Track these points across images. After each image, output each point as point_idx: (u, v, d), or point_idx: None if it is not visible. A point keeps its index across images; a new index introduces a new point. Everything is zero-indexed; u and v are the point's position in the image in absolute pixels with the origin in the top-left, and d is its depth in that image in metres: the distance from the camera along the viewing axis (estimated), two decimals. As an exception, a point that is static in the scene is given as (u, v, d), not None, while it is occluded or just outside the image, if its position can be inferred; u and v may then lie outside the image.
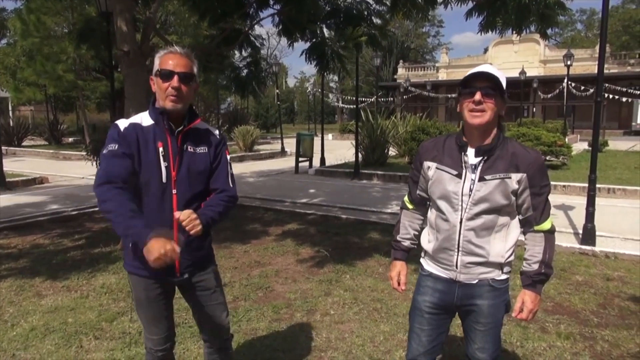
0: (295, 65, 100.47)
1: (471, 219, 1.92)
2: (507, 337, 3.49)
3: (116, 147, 1.96)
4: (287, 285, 4.62)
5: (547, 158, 13.20)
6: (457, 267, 1.99)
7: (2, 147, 18.85)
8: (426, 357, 2.15)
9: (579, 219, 6.68)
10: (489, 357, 2.05)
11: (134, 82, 5.75)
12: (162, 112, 2.02)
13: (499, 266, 1.98)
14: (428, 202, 2.14)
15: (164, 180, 2.01)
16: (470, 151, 1.93)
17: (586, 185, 6.39)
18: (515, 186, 1.88)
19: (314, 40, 6.40)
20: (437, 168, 1.99)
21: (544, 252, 1.95)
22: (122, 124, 2.03)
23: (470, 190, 1.91)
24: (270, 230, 6.80)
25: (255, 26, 7.05)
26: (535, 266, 1.95)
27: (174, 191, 2.03)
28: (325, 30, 6.64)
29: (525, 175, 1.88)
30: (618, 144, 20.80)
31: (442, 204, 1.98)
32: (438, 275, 2.07)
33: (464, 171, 1.92)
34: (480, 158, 1.91)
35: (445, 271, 2.04)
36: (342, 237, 6.39)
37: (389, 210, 8.10)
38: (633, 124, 32.53)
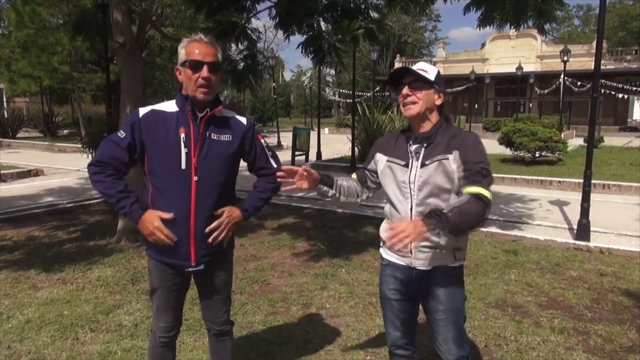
0: (292, 58, 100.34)
1: (420, 204, 2.00)
2: (501, 331, 3.52)
3: (123, 135, 2.05)
4: (283, 279, 4.63)
5: (543, 154, 13.25)
6: (411, 253, 2.06)
7: (-3, 139, 18.82)
8: (405, 340, 2.23)
9: (574, 215, 6.71)
10: (454, 347, 2.07)
11: (130, 74, 5.72)
12: (186, 98, 2.05)
13: (452, 251, 2.04)
14: (366, 185, 2.25)
15: (183, 166, 2.03)
16: (412, 140, 2.07)
17: (581, 181, 6.43)
18: (454, 165, 1.94)
19: (311, 33, 6.37)
20: (387, 161, 2.11)
21: (459, 203, 1.86)
22: (143, 110, 2.08)
23: (415, 177, 2.01)
24: (266, 224, 6.80)
25: (252, 19, 7.01)
26: (443, 205, 1.92)
27: (195, 178, 2.05)
28: (322, 23, 6.61)
29: (457, 152, 1.95)
30: (614, 140, 20.85)
31: (393, 195, 2.08)
32: (396, 263, 2.14)
33: (410, 160, 2.04)
34: (419, 145, 2.04)
35: (402, 258, 2.11)
36: (337, 231, 6.40)
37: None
38: (629, 120, 32.62)
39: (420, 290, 2.12)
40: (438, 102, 2.05)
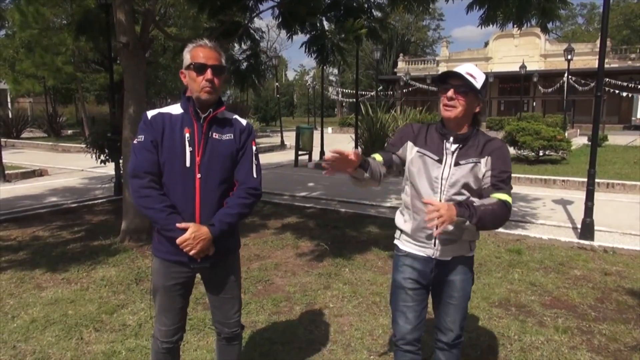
0: (295, 58, 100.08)
1: (448, 200, 2.08)
2: (505, 330, 3.51)
3: (143, 138, 2.11)
4: (287, 279, 4.63)
5: (547, 152, 13.21)
6: (434, 245, 2.16)
7: (1, 139, 18.91)
8: (413, 335, 2.27)
9: (578, 214, 6.69)
10: (458, 327, 2.26)
11: (133, 74, 5.73)
12: (189, 100, 2.13)
13: (469, 244, 2.20)
14: (391, 169, 2.24)
15: (187, 164, 2.10)
16: (450, 139, 2.13)
17: (585, 179, 6.40)
18: (483, 169, 2.08)
19: (314, 32, 6.37)
20: (418, 152, 2.17)
21: (486, 203, 2.01)
22: (151, 113, 2.16)
23: (448, 174, 2.10)
24: (270, 224, 6.81)
25: (255, 19, 7.01)
26: (473, 200, 2.07)
27: (198, 175, 2.12)
28: (325, 22, 6.62)
29: (490, 158, 2.08)
30: (617, 138, 20.78)
31: (422, 187, 2.14)
32: (416, 254, 2.21)
33: (444, 157, 2.12)
34: (457, 145, 2.12)
35: (423, 249, 2.19)
36: (341, 231, 6.40)
37: (387, 204, 8.11)
38: (633, 118, 32.48)
39: (438, 279, 2.21)
40: (477, 109, 2.13)
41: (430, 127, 2.20)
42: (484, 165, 2.07)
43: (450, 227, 2.00)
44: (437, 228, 1.92)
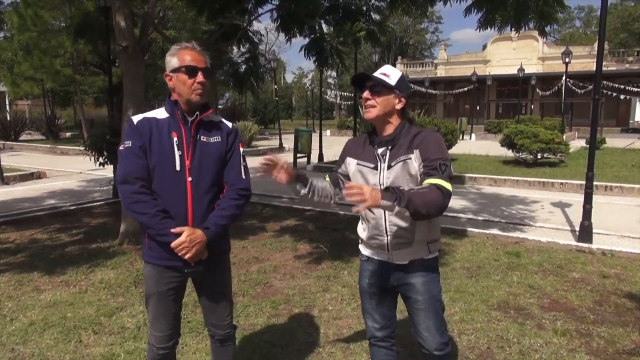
0: (294, 61, 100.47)
1: None
2: (503, 333, 3.51)
3: (130, 143, 2.08)
4: (286, 281, 4.63)
5: (545, 155, 13.24)
6: (388, 251, 2.16)
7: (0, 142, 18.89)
8: (383, 332, 2.34)
9: (576, 217, 6.70)
10: (436, 334, 2.18)
11: (132, 76, 5.74)
12: (175, 104, 2.13)
13: (426, 245, 2.15)
14: (339, 187, 2.25)
15: (177, 168, 2.10)
16: (377, 144, 2.15)
17: (583, 182, 6.41)
18: (415, 164, 2.04)
19: (313, 35, 6.39)
20: (357, 164, 2.18)
21: (416, 188, 1.94)
22: (136, 118, 2.14)
23: (384, 178, 2.10)
24: (268, 226, 6.81)
25: (254, 22, 7.04)
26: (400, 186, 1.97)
27: (189, 179, 2.11)
28: (323, 25, 6.65)
29: (418, 150, 2.04)
30: (616, 141, 20.83)
31: None
32: (374, 258, 2.25)
33: (379, 163, 2.12)
34: (384, 148, 2.12)
35: (379, 254, 2.22)
36: (340, 233, 6.40)
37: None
38: (631, 121, 32.58)
39: (399, 283, 2.21)
40: (398, 106, 2.12)
41: (367, 136, 2.23)
42: (415, 159, 2.03)
43: (401, 239, 2.09)
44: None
